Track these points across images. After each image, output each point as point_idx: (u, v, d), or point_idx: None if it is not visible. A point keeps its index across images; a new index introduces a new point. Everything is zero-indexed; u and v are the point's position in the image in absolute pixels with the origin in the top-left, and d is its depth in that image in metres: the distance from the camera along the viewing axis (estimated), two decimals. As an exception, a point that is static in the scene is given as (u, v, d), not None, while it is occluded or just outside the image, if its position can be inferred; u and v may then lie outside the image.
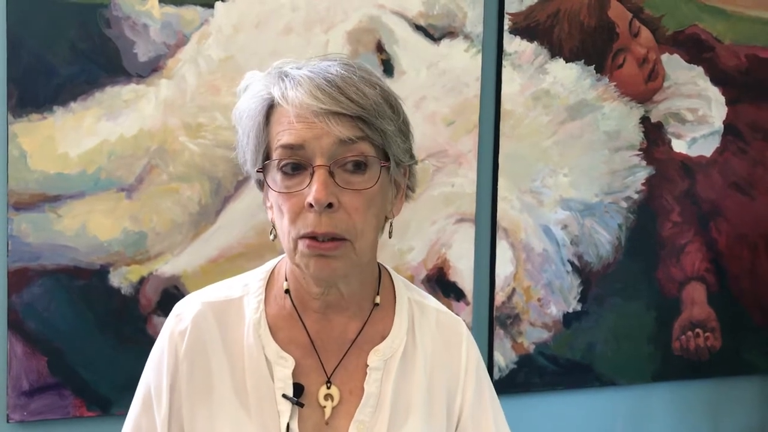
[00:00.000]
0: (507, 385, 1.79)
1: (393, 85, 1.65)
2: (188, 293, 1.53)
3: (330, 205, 0.86)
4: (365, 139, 0.88)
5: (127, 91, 1.49)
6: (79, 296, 1.48)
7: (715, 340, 1.96)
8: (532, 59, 1.76)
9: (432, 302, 1.04)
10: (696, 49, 1.88)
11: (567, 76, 1.78)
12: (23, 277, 1.45)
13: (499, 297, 1.78)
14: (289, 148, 0.87)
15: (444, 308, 1.04)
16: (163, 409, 0.93)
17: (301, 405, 0.90)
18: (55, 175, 1.46)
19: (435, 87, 1.69)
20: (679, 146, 1.89)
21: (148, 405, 0.96)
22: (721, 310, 1.96)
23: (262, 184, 0.95)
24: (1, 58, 1.43)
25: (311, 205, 0.86)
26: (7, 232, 1.44)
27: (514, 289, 1.79)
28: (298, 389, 0.91)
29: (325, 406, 0.91)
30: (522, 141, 1.77)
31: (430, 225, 1.72)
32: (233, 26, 1.54)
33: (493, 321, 1.78)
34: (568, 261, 1.82)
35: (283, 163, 0.88)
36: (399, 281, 1.02)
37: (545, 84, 1.77)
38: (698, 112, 1.90)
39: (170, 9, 1.50)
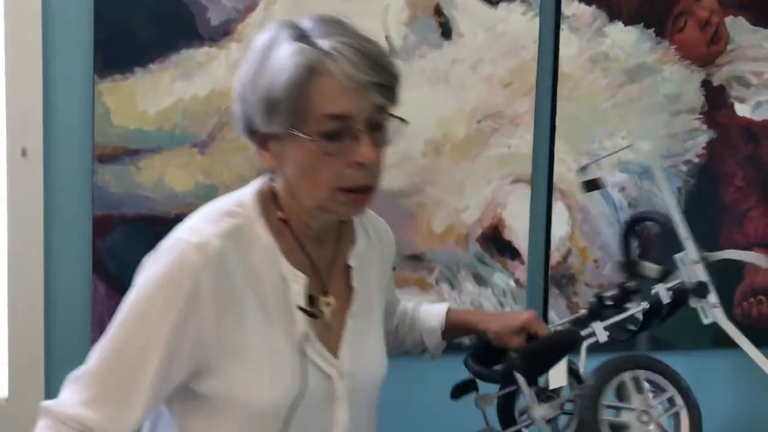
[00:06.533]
0: (561, 344, 1.82)
1: (451, 47, 1.72)
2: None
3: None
4: (393, 104, 1.03)
5: (200, 53, 1.60)
6: (155, 243, 1.59)
7: (779, 307, 1.93)
8: (591, 22, 1.78)
9: None
10: (762, 11, 1.85)
11: (626, 40, 1.79)
12: (106, 223, 1.59)
13: (554, 257, 1.81)
14: (337, 117, 0.98)
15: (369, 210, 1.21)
16: (172, 323, 0.98)
17: (315, 316, 1.06)
18: (135, 131, 1.59)
19: (492, 50, 1.73)
20: (742, 110, 1.87)
21: (152, 323, 0.99)
22: (786, 277, 1.93)
23: (255, 134, 1.04)
24: (89, 23, 1.56)
25: (360, 164, 1.00)
26: (92, 182, 1.58)
27: (569, 250, 1.82)
28: (311, 301, 1.06)
29: (324, 312, 1.09)
30: (580, 103, 1.79)
31: (485, 185, 1.77)
32: (299, -8, 1.63)
33: (548, 280, 1.82)
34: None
35: (328, 129, 0.98)
36: None
37: (604, 47, 1.79)
38: (764, 76, 1.87)
39: (240, -24, 1.60)
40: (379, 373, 1.15)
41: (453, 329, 1.33)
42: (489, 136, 1.75)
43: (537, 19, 1.75)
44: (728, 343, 1.92)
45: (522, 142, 1.77)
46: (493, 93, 1.74)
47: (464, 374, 1.27)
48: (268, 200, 1.09)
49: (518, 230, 1.79)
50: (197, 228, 1.04)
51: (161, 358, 0.99)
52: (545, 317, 1.82)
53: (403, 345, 1.36)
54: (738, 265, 1.90)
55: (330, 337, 1.09)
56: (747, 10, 1.85)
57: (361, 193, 1.02)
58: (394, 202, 1.71)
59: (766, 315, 1.93)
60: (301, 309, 1.05)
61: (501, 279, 1.79)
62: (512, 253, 1.79)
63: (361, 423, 1.12)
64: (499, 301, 1.79)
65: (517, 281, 1.80)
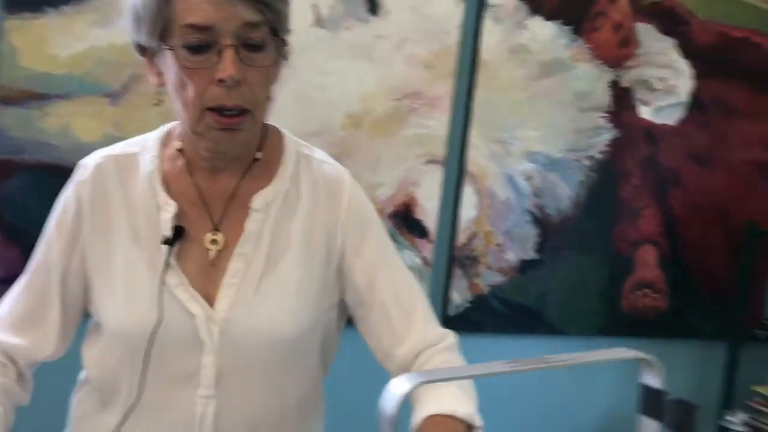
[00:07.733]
0: (460, 323, 1.87)
1: (376, 24, 1.73)
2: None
3: (238, 81, 0.95)
4: (266, 21, 0.97)
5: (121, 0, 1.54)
6: (57, 193, 1.53)
7: (662, 302, 2.06)
8: (513, 13, 1.83)
9: (319, 154, 1.13)
10: (670, 21, 1.96)
11: (544, 34, 1.86)
12: (6, 169, 1.51)
13: (461, 239, 1.86)
14: (197, 28, 0.94)
15: (331, 160, 1.14)
16: (63, 240, 1.04)
17: (169, 244, 1.02)
18: (43, 74, 1.52)
19: (417, 31, 1.75)
20: (645, 113, 1.97)
21: (51, 241, 1.06)
22: (670, 274, 2.05)
23: (145, 51, 1.02)
24: (0, -45, 1.48)
25: (221, 81, 0.95)
26: (-8, 124, 1.50)
27: (475, 233, 1.87)
28: (180, 232, 1.02)
29: (210, 249, 1.03)
30: (496, 92, 1.84)
31: (400, 163, 1.79)
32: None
33: (452, 261, 1.87)
34: (529, 211, 1.91)
35: (190, 40, 0.95)
36: (291, 139, 1.13)
37: (523, 39, 1.84)
38: (667, 82, 1.98)
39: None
40: (273, 332, 1.03)
41: None
42: (407, 116, 1.78)
43: (462, 5, 1.78)
44: (614, 332, 2.05)
45: (438, 124, 1.80)
46: (414, 73, 1.77)
47: None
48: (175, 132, 1.07)
49: (428, 210, 1.82)
50: (96, 151, 1.09)
51: (60, 274, 1.04)
52: (446, 297, 1.87)
53: None
54: (628, 259, 2.01)
55: (214, 277, 1.03)
56: (656, 19, 1.95)
57: (231, 116, 0.96)
58: (308, 172, 1.71)
59: (650, 307, 2.05)
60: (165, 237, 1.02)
61: (409, 256, 1.82)
62: (421, 231, 1.83)
63: (244, 380, 1.03)
64: (404, 278, 1.82)
65: (424, 259, 1.84)
